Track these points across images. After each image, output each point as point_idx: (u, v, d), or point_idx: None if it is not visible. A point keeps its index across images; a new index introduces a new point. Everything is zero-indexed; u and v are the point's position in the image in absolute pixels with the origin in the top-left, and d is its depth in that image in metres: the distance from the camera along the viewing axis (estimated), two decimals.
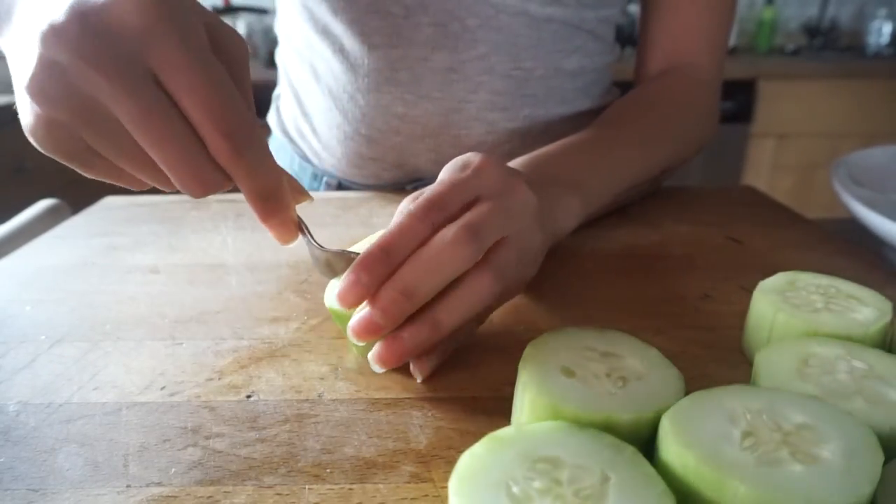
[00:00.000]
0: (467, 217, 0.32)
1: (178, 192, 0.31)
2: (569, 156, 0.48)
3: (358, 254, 0.33)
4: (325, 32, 0.61)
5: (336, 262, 0.35)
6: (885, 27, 2.67)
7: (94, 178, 0.31)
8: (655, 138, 0.56)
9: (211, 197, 0.62)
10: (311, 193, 0.36)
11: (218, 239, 0.52)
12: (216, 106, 0.27)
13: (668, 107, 0.59)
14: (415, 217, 0.32)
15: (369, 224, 0.56)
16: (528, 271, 0.37)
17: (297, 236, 0.34)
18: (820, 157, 2.36)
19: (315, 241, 0.35)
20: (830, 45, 2.73)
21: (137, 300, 0.42)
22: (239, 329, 0.38)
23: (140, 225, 0.56)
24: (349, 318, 0.31)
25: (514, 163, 0.45)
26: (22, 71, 0.27)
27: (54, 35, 0.26)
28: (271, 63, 2.26)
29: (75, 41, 0.26)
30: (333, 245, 0.36)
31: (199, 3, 0.30)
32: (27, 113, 0.28)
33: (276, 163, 0.32)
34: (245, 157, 0.29)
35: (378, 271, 0.30)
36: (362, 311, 0.31)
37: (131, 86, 0.26)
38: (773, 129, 2.35)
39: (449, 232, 0.31)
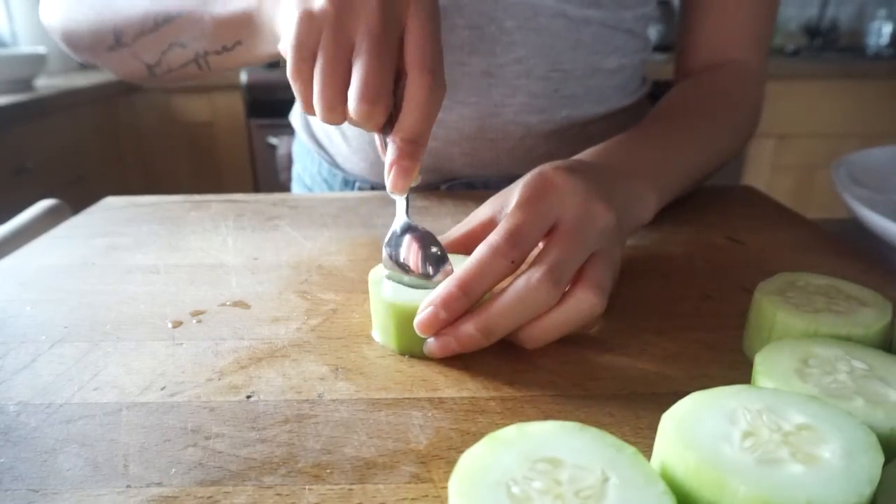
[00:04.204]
0: (550, 259, 0.33)
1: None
2: (642, 149, 0.47)
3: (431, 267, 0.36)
4: None
5: (408, 258, 0.37)
6: (885, 27, 2.67)
7: (292, 78, 0.37)
8: (717, 133, 0.56)
9: (211, 197, 0.63)
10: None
11: (218, 239, 0.52)
12: (434, 54, 0.36)
13: (725, 102, 0.58)
14: (496, 252, 0.33)
15: (370, 224, 0.56)
16: (611, 286, 0.37)
17: (406, 191, 0.38)
18: (820, 157, 2.36)
19: (409, 212, 0.39)
20: (830, 46, 2.73)
21: (137, 300, 0.42)
22: (239, 329, 0.38)
23: (140, 225, 0.56)
24: (401, 311, 0.34)
25: (587, 154, 0.45)
26: None
27: None
28: (272, 63, 2.26)
29: None
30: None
31: None
32: (308, 7, 0.36)
33: (433, 122, 0.37)
34: (432, 99, 0.36)
35: (456, 308, 0.32)
36: (442, 338, 0.33)
37: (386, 13, 0.35)
38: (772, 129, 2.34)
39: (532, 277, 0.32)
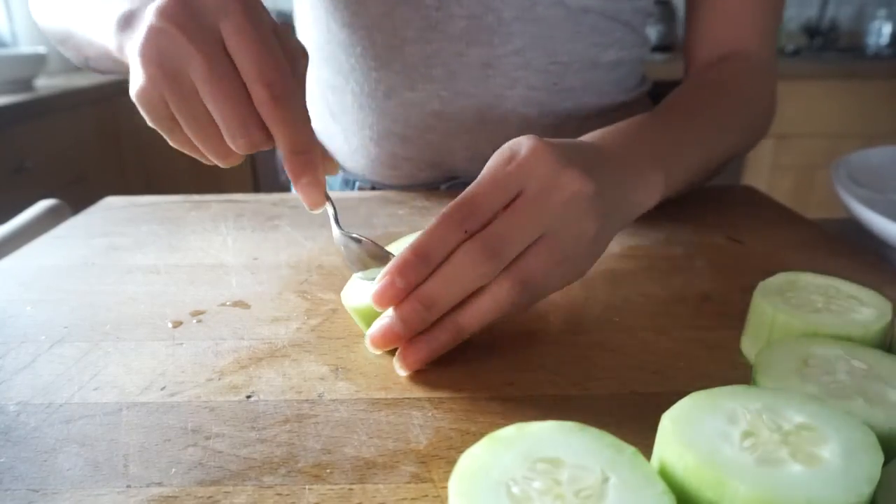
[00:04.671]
0: (490, 230, 0.32)
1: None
2: (650, 131, 0.45)
3: (380, 247, 0.37)
4: (353, 26, 0.59)
5: (360, 251, 0.37)
6: (885, 27, 2.67)
7: (175, 146, 0.38)
8: (727, 124, 0.55)
9: (211, 197, 0.63)
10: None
11: (218, 239, 0.52)
12: (263, 61, 0.34)
13: (736, 95, 0.57)
14: (450, 221, 0.32)
15: (369, 224, 0.56)
16: (580, 263, 0.35)
17: (324, 203, 0.38)
18: (820, 157, 2.36)
19: (339, 222, 0.38)
20: (830, 46, 2.73)
21: (137, 300, 0.42)
22: (239, 329, 0.38)
23: (140, 225, 0.56)
24: (368, 313, 0.34)
25: (592, 136, 0.42)
26: (137, 42, 0.35)
27: (160, 10, 0.34)
28: None
29: (172, 13, 0.34)
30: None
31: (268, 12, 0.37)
32: (137, 80, 0.35)
33: (310, 123, 0.36)
34: (281, 107, 0.34)
35: (411, 277, 0.31)
36: (382, 320, 0.32)
37: (204, 46, 0.33)
38: (772, 129, 2.30)
39: (469, 247, 0.31)
